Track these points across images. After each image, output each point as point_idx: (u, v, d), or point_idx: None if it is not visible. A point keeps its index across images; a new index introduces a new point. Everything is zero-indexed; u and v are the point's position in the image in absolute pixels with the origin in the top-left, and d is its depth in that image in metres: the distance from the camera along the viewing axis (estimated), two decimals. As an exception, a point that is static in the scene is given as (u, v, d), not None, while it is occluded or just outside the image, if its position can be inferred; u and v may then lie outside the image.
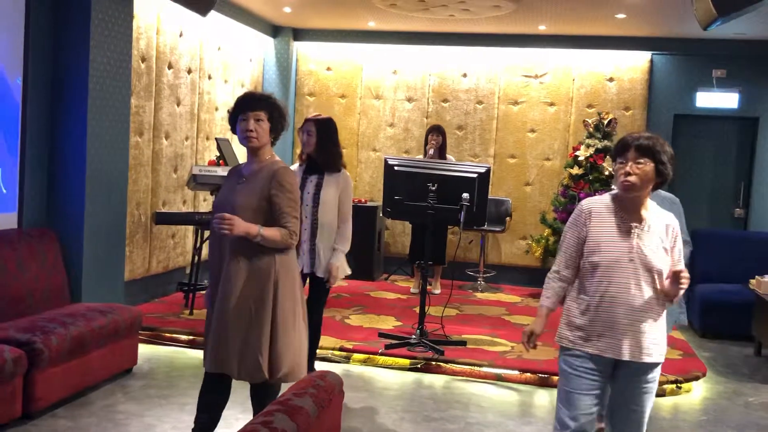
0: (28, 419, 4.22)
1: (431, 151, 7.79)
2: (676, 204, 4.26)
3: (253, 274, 3.43)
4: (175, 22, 7.19)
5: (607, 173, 8.02)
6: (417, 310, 6.08)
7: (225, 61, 8.41)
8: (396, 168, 5.93)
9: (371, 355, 5.73)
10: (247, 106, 3.48)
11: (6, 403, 4.01)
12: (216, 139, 7.68)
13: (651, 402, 3.08)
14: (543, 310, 3.19)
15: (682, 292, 2.91)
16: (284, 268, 3.49)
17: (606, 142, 8.09)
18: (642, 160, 2.94)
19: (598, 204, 3.12)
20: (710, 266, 7.68)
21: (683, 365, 5.89)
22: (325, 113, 9.56)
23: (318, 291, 4.94)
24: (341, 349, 5.81)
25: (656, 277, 2.97)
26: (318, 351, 5.71)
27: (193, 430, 3.66)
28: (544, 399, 5.22)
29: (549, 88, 9.11)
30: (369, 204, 8.84)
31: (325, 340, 5.91)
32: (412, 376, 5.53)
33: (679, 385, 5.47)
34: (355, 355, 5.75)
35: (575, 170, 8.18)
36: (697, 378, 5.67)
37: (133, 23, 6.10)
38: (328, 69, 9.70)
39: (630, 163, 2.95)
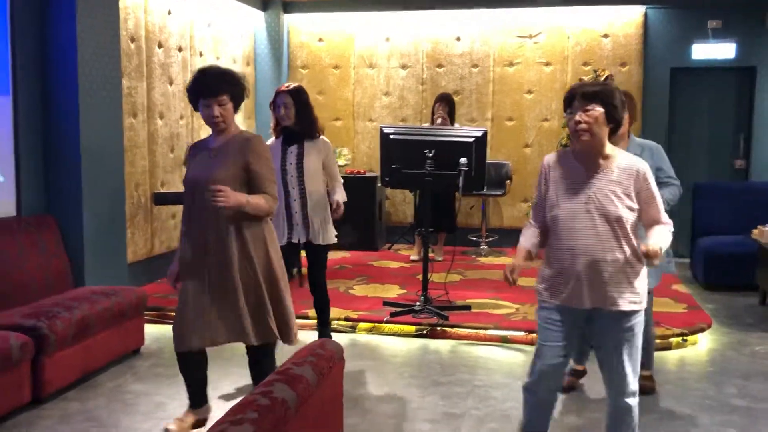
0: (38, 404, 4.25)
1: (439, 121, 7.72)
2: (657, 149, 4.27)
3: (248, 241, 3.51)
4: (163, 0, 7.11)
5: (605, 131, 7.96)
6: (420, 277, 6.09)
7: (216, 37, 8.34)
8: (392, 136, 5.89)
9: (377, 324, 5.75)
10: (208, 92, 3.47)
11: (15, 389, 4.05)
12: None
13: (633, 350, 3.08)
14: (521, 249, 3.22)
15: (656, 262, 2.88)
16: (271, 234, 3.62)
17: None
18: (590, 107, 2.93)
19: (559, 157, 3.14)
20: (712, 218, 7.67)
21: (688, 318, 5.90)
22: (320, 85, 9.60)
23: (319, 259, 5.02)
24: (346, 319, 5.83)
25: (616, 224, 2.95)
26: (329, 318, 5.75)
27: (192, 406, 3.81)
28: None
29: (544, 47, 9.03)
30: (368, 174, 8.82)
31: (330, 311, 5.93)
32: (418, 343, 5.55)
33: (684, 337, 5.49)
34: (361, 324, 5.77)
35: (573, 129, 8.12)
36: (702, 330, 5.68)
37: (120, 3, 6.03)
38: (320, 40, 9.62)
39: (578, 112, 2.95)
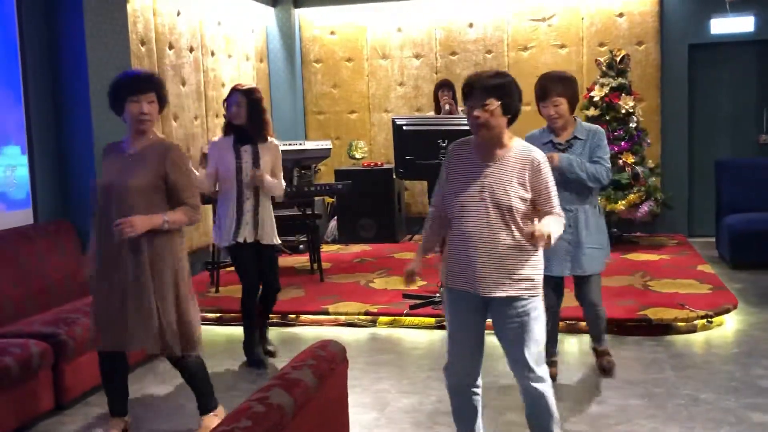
0: (61, 410, 4.29)
1: (447, 107, 7.66)
2: (600, 132, 4.34)
3: (157, 253, 3.53)
4: (171, 1, 7.12)
5: (624, 111, 7.86)
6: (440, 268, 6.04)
7: (227, 35, 8.34)
8: (405, 128, 5.87)
9: (396, 317, 5.73)
10: (137, 89, 3.48)
11: (37, 396, 4.08)
12: (225, 115, 7.65)
13: (527, 339, 3.09)
14: (418, 252, 3.34)
15: (542, 244, 2.91)
16: (179, 246, 3.63)
17: (620, 80, 7.92)
18: (488, 101, 2.96)
19: (461, 145, 3.17)
20: (737, 196, 7.53)
21: (713, 299, 5.79)
22: (334, 78, 9.58)
23: (270, 259, 4.96)
24: (366, 313, 5.81)
25: (506, 213, 3.00)
26: (343, 317, 5.75)
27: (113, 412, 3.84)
28: (573, 345, 5.18)
29: (558, 29, 8.90)
30: (386, 166, 8.77)
31: (349, 306, 5.93)
32: (439, 334, 5.51)
33: (709, 319, 5.39)
34: (381, 318, 5.75)
35: (591, 111, 8.03)
36: (728, 311, 5.58)
37: (128, 7, 6.05)
38: (332, 33, 9.58)
39: (477, 108, 2.98)
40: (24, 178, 5.17)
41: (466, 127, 5.72)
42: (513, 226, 3.02)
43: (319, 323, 5.78)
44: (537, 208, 3.09)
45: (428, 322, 5.64)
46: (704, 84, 8.73)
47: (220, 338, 5.64)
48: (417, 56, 9.33)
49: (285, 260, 8.01)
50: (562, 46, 8.90)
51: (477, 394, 3.35)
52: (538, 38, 8.96)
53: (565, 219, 4.15)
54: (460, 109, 7.89)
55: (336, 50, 9.59)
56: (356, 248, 8.42)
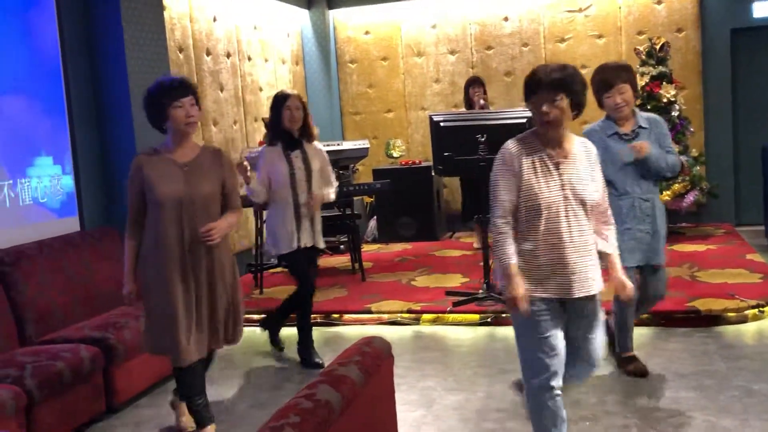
0: (113, 413, 4.36)
1: (482, 102, 7.64)
2: (662, 122, 4.26)
3: (223, 252, 3.68)
4: (208, 7, 7.20)
5: (665, 100, 7.72)
6: (482, 264, 6.01)
7: (262, 40, 8.40)
8: (442, 124, 5.83)
9: (440, 314, 5.70)
10: (180, 93, 3.51)
11: (89, 400, 4.16)
12: (264, 119, 7.71)
13: (599, 333, 3.09)
14: (511, 268, 2.94)
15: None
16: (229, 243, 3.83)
17: (661, 68, 7.78)
18: (558, 97, 2.87)
19: (522, 144, 2.98)
20: (786, 182, 7.33)
21: (764, 288, 5.65)
22: (369, 78, 9.59)
23: (316, 263, 5.16)
24: (409, 311, 5.80)
25: (589, 208, 2.97)
26: (386, 315, 5.75)
27: (200, 413, 3.82)
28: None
29: (595, 19, 8.78)
30: (423, 164, 8.75)
31: (392, 304, 5.94)
32: (483, 331, 5.48)
33: (761, 309, 5.26)
34: (424, 316, 5.73)
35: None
36: (780, 300, 5.44)
37: (165, 14, 6.14)
38: (367, 33, 9.59)
39: (546, 104, 2.88)
40: (66, 187, 5.27)
41: (504, 121, 5.71)
42: (591, 221, 2.99)
43: (362, 322, 5.79)
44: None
45: (472, 318, 5.61)
46: (748, 69, 8.53)
47: (265, 339, 5.67)
48: (452, 52, 9.29)
49: (326, 260, 8.04)
50: (600, 36, 8.78)
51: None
52: (575, 29, 8.85)
53: (644, 209, 4.15)
54: (482, 102, 7.84)
55: (371, 50, 9.60)
56: (397, 247, 8.42)
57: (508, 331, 5.40)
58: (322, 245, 4.98)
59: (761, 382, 4.13)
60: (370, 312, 5.86)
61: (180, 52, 6.71)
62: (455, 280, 6.67)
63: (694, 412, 3.81)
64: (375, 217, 9.06)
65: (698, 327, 5.12)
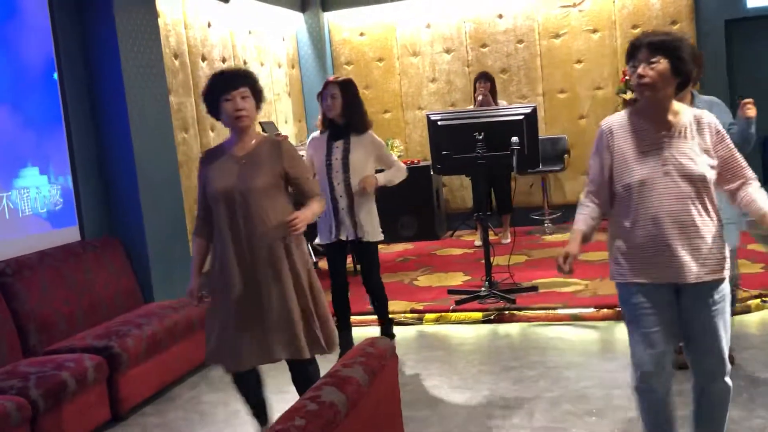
0: (118, 421, 4.35)
1: (480, 98, 7.62)
2: (719, 104, 4.08)
3: (292, 250, 3.41)
4: (202, 13, 7.20)
5: (662, 93, 7.73)
6: (484, 262, 6.00)
7: (258, 44, 8.40)
8: (440, 123, 5.82)
9: (443, 313, 5.70)
10: (230, 86, 3.34)
11: (94, 408, 4.15)
12: (260, 123, 7.70)
13: (725, 323, 2.79)
14: (576, 233, 2.90)
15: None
16: (304, 246, 3.53)
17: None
18: (655, 59, 2.66)
19: (619, 120, 2.84)
20: (785, 171, 7.33)
21: (766, 278, 5.65)
22: (365, 79, 9.57)
23: (368, 256, 4.89)
24: (412, 311, 5.80)
25: (700, 185, 2.70)
26: (389, 315, 5.73)
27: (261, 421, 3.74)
28: (624, 333, 5.06)
29: (589, 14, 8.78)
30: (422, 164, 8.74)
31: (394, 305, 5.91)
32: (486, 328, 5.48)
33: (764, 298, 5.26)
34: (427, 315, 5.73)
35: (628, 95, 7.90)
36: (783, 289, 5.44)
37: (159, 21, 6.13)
38: (362, 34, 9.59)
39: (642, 64, 2.69)
40: (65, 197, 5.27)
41: (501, 119, 5.71)
42: (707, 199, 2.71)
43: (366, 323, 5.77)
44: (723, 175, 2.77)
45: (475, 317, 5.60)
46: (743, 60, 8.52)
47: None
48: (447, 51, 9.28)
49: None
50: (595, 31, 8.78)
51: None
52: (570, 24, 8.85)
53: None
54: (501, 102, 7.83)
55: (366, 51, 9.59)
56: (398, 247, 8.41)
57: (510, 328, 5.41)
58: (368, 238, 4.75)
59: (767, 371, 4.12)
60: (373, 313, 5.84)
61: (175, 59, 6.70)
62: (457, 279, 6.67)
63: (700, 403, 3.79)
64: (375, 217, 9.04)
65: (702, 318, 5.11)
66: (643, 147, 2.76)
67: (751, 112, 3.93)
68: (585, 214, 2.92)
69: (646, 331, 2.80)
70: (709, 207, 2.73)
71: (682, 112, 2.78)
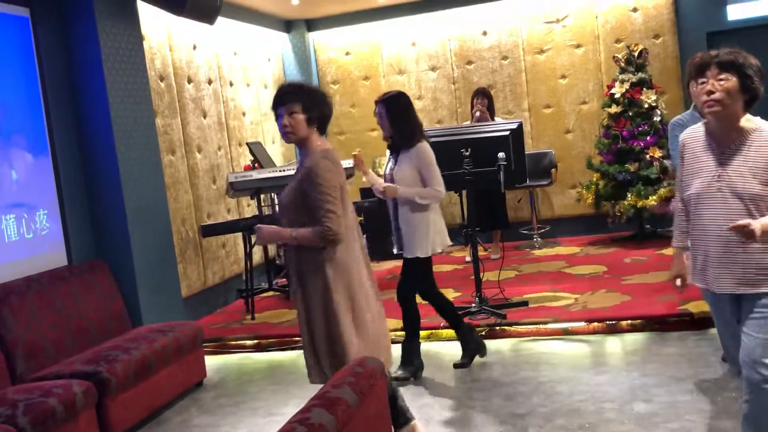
0: (108, 447, 4.31)
1: (477, 114, 7.64)
2: None
3: (305, 275, 3.42)
4: (187, 35, 7.21)
5: (647, 106, 7.80)
6: (474, 278, 6.00)
7: (243, 65, 8.42)
8: (426, 140, 5.82)
9: (434, 330, 5.68)
10: (278, 102, 3.46)
11: (83, 435, 4.11)
12: (247, 144, 7.71)
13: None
14: (675, 251, 3.16)
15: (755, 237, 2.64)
16: (338, 268, 3.39)
17: (640, 75, 7.87)
18: (723, 76, 2.74)
19: (693, 133, 2.97)
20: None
21: (755, 288, 5.67)
22: (352, 98, 9.61)
23: (405, 270, 4.90)
24: (403, 328, 5.75)
25: (750, 203, 2.75)
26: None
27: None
28: (616, 346, 5.10)
29: (573, 30, 8.85)
30: (411, 180, 8.74)
31: (387, 322, 5.88)
32: (477, 345, 5.45)
33: None
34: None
35: (614, 109, 7.98)
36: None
37: (145, 44, 6.14)
38: (347, 54, 9.63)
39: (711, 81, 2.76)
40: (52, 222, 5.24)
41: (487, 135, 5.73)
42: (758, 217, 2.72)
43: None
44: None
45: (466, 333, 5.58)
46: (726, 71, 8.61)
47: (261, 364, 5.65)
48: (433, 69, 9.33)
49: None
50: (578, 46, 8.84)
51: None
52: (554, 40, 8.92)
53: None
54: (497, 119, 7.86)
55: (352, 70, 9.63)
56: (388, 264, 8.39)
57: (501, 344, 5.40)
58: (407, 254, 4.77)
59: None
60: (394, 330, 5.81)
61: (161, 81, 6.70)
62: (448, 295, 6.60)
63: (693, 415, 3.80)
64: (365, 235, 9.03)
65: (692, 330, 5.13)
66: (704, 161, 2.87)
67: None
68: (677, 226, 3.14)
69: (718, 330, 3.14)
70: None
71: (755, 130, 2.81)
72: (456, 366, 5.02)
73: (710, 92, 2.74)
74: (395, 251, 4.91)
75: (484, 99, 7.70)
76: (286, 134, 3.45)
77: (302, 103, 3.42)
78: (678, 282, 3.16)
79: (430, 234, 4.80)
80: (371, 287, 3.57)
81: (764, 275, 2.80)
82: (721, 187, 2.80)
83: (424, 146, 4.79)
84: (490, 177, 5.61)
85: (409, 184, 4.75)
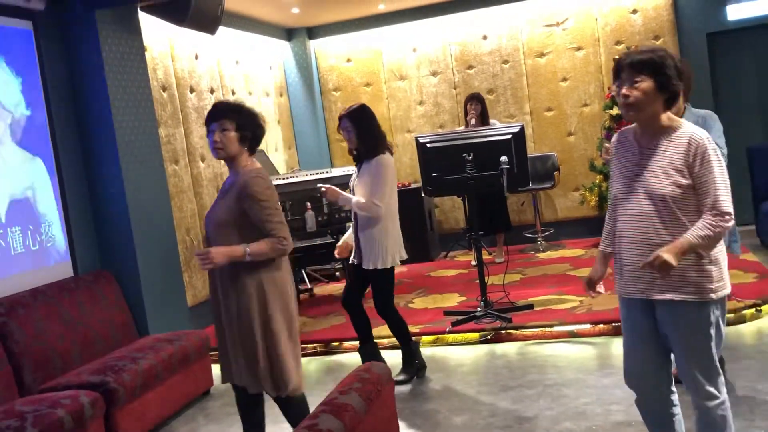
0: (116, 457, 4.32)
1: (473, 121, 7.67)
2: (709, 116, 4.06)
3: (245, 289, 3.41)
4: (189, 45, 7.24)
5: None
6: (479, 282, 6.00)
7: (245, 74, 8.45)
8: (429, 145, 5.85)
9: (440, 335, 5.69)
10: (211, 118, 3.48)
11: (92, 446, 4.12)
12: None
13: (702, 349, 2.74)
14: (598, 254, 3.06)
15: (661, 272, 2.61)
16: (272, 283, 3.44)
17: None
18: (638, 78, 2.66)
19: (623, 134, 2.91)
20: (773, 181, 7.40)
21: (759, 287, 5.68)
22: (353, 104, 9.60)
23: (372, 283, 4.86)
24: (409, 334, 5.77)
25: (660, 204, 2.68)
26: (386, 340, 5.72)
27: None
28: (621, 348, 5.08)
29: (573, 32, 8.88)
30: (413, 186, 8.77)
31: (402, 331, 5.89)
32: (483, 349, 5.47)
33: (758, 308, 5.28)
34: (424, 338, 5.71)
35: (615, 111, 7.97)
36: (777, 298, 5.46)
37: (147, 55, 6.17)
38: (348, 60, 9.66)
39: (626, 85, 2.70)
40: (58, 233, 5.26)
41: (492, 138, 5.74)
42: (668, 219, 2.68)
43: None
44: (702, 205, 2.68)
45: (472, 337, 5.60)
46: (727, 72, 8.62)
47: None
48: (434, 74, 9.36)
49: (323, 288, 8.03)
50: (579, 49, 8.86)
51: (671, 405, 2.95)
52: (554, 43, 8.94)
53: None
54: (493, 122, 7.87)
55: (353, 77, 9.66)
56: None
57: (508, 348, 5.40)
58: (365, 265, 4.73)
59: (764, 381, 4.13)
60: (380, 337, 5.82)
61: (164, 91, 6.73)
62: (452, 300, 6.67)
63: (700, 416, 3.79)
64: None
65: (697, 330, 5.12)
66: (626, 162, 2.82)
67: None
68: (604, 231, 3.02)
69: (624, 343, 2.95)
70: (672, 226, 2.68)
71: (673, 128, 2.75)
72: (398, 383, 4.85)
73: (625, 95, 2.70)
74: (355, 262, 4.83)
75: (477, 104, 7.72)
76: (216, 150, 3.46)
77: (235, 121, 3.46)
78: (589, 288, 3.04)
79: (389, 245, 4.73)
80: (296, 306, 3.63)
81: (681, 282, 2.70)
82: (637, 187, 2.74)
83: (383, 159, 4.73)
84: (493, 181, 5.62)
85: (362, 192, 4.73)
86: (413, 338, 5.11)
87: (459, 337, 5.63)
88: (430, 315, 6.22)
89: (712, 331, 2.75)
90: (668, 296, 2.72)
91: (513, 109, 9.10)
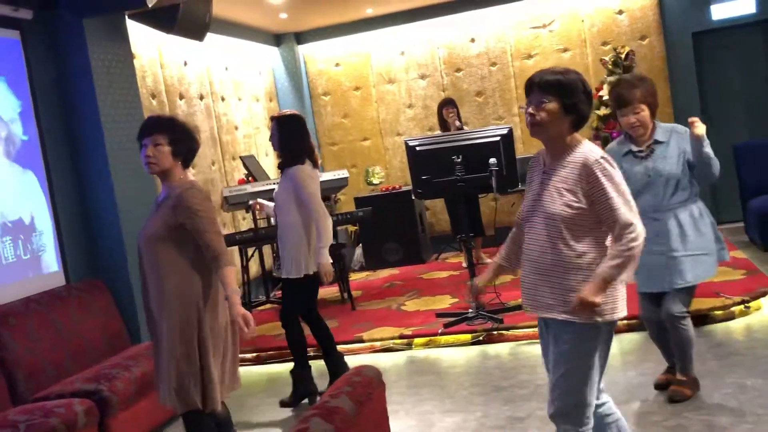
0: (111, 465, 4.32)
1: (457, 122, 7.73)
2: (679, 132, 3.99)
3: (172, 304, 3.39)
4: (177, 52, 7.26)
5: (635, 107, 7.86)
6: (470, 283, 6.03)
7: (235, 80, 8.47)
8: (418, 148, 5.89)
9: (432, 337, 5.72)
10: (144, 132, 3.44)
11: (86, 454, 4.12)
12: (241, 157, 7.76)
13: (558, 371, 2.73)
14: (490, 264, 3.12)
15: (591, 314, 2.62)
16: (206, 297, 3.44)
17: (628, 77, 7.91)
18: (545, 99, 2.67)
19: (538, 154, 2.91)
20: (760, 178, 7.45)
21: (748, 284, 5.73)
22: (343, 108, 9.67)
23: (287, 291, 4.80)
24: (401, 336, 5.80)
25: (551, 223, 2.69)
26: (378, 342, 5.76)
27: None
28: (613, 346, 5.10)
29: (560, 34, 8.93)
30: (404, 189, 8.81)
31: (383, 331, 5.94)
32: (476, 350, 5.50)
33: (747, 304, 5.32)
34: (416, 340, 5.74)
35: (602, 111, 8.03)
36: (764, 294, 5.50)
37: (135, 62, 6.18)
38: (337, 65, 9.69)
39: (533, 103, 2.71)
40: (49, 242, 5.26)
41: (478, 141, 5.78)
42: (557, 239, 2.68)
43: (356, 351, 5.78)
44: (609, 229, 2.67)
45: (464, 339, 5.63)
46: (713, 70, 8.69)
47: (260, 377, 5.66)
48: (422, 77, 9.40)
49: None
50: (566, 50, 8.92)
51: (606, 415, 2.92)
52: (541, 45, 8.99)
53: (653, 228, 3.66)
54: (457, 124, 7.91)
55: (342, 81, 9.69)
56: (384, 273, 8.44)
57: (500, 349, 5.43)
58: (282, 274, 4.71)
59: (754, 377, 4.17)
60: (362, 341, 5.86)
61: (153, 99, 6.74)
62: (444, 302, 6.70)
63: (690, 412, 3.83)
64: (360, 244, 9.09)
65: (687, 328, 5.16)
66: (532, 182, 2.86)
67: (699, 130, 3.76)
68: (505, 243, 3.06)
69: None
70: (561, 247, 2.68)
71: (573, 150, 2.73)
72: (282, 404, 4.83)
73: (531, 114, 2.71)
74: (275, 273, 4.84)
75: (453, 108, 7.82)
76: (149, 164, 3.41)
77: (168, 135, 3.41)
78: (472, 295, 3.17)
79: (303, 255, 4.68)
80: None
81: (562, 302, 2.69)
82: (536, 207, 2.76)
83: (301, 169, 4.67)
84: (482, 183, 5.66)
85: (284, 205, 4.69)
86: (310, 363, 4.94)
87: (451, 338, 5.66)
88: (423, 317, 6.24)
89: (592, 356, 2.71)
90: (551, 315, 2.74)
91: (501, 111, 9.15)
